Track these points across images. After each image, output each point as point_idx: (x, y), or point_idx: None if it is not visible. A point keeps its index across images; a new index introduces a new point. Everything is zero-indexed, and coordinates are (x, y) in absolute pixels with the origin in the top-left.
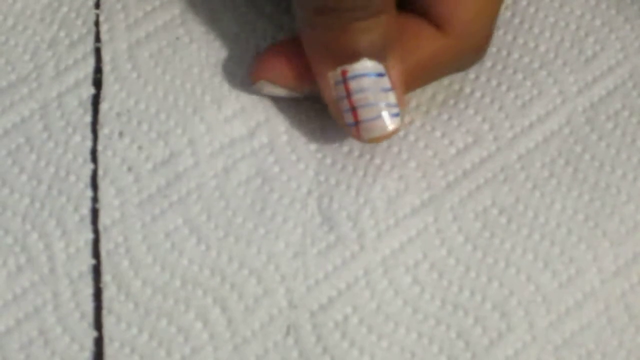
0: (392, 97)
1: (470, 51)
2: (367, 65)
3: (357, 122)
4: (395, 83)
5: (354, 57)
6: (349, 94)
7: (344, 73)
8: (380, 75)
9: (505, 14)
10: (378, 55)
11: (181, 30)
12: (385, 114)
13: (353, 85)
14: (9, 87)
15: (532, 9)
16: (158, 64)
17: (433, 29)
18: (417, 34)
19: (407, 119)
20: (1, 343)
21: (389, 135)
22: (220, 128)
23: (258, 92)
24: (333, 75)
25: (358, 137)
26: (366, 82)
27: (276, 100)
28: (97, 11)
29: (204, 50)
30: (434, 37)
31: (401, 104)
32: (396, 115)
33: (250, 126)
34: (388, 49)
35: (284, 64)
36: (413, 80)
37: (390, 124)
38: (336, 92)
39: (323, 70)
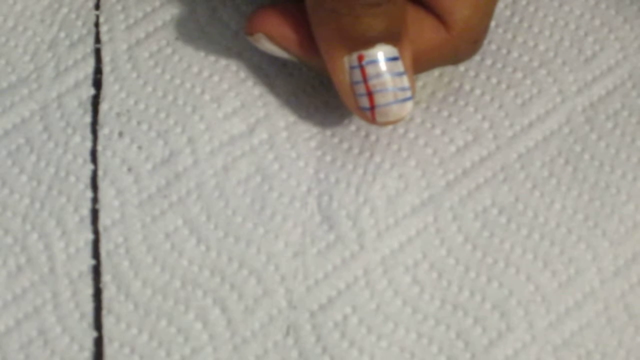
0: (405, 81)
1: (467, 45)
2: (383, 50)
3: (372, 107)
4: (407, 66)
5: (371, 42)
6: (365, 79)
7: (360, 58)
8: (394, 59)
9: (504, 12)
10: (393, 38)
11: (180, 30)
12: (400, 99)
13: (370, 70)
14: (9, 88)
15: (531, 8)
16: (158, 64)
17: (436, 22)
18: (420, 24)
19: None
20: (1, 343)
21: (402, 119)
22: (220, 125)
23: (252, 44)
24: (349, 60)
25: (372, 121)
26: (382, 67)
27: (276, 95)
28: (97, 12)
29: (203, 49)
30: (436, 29)
31: (413, 87)
32: (409, 99)
33: (249, 123)
34: (402, 32)
35: (290, 25)
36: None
37: (404, 108)
38: (351, 76)
39: (337, 54)
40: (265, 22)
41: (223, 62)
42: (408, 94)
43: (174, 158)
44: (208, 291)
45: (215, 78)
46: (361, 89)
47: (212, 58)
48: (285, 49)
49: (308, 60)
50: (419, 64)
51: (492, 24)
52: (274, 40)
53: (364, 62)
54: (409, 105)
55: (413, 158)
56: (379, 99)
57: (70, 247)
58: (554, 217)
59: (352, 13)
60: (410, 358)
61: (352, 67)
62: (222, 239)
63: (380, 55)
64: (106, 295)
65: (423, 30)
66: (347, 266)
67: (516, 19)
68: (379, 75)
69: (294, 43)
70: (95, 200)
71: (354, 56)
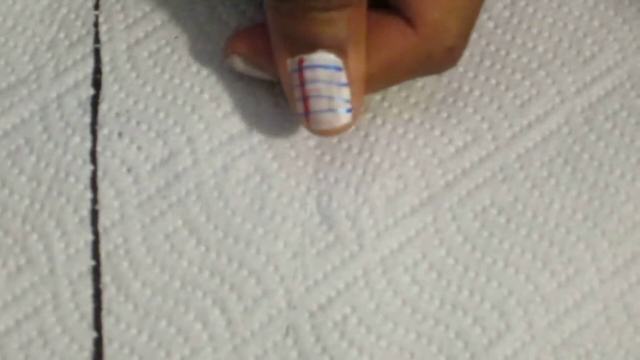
0: (346, 93)
1: (441, 52)
2: (325, 57)
3: (307, 113)
4: (352, 79)
5: (313, 47)
6: (302, 84)
7: (301, 62)
8: (337, 69)
9: (503, 13)
10: (338, 48)
11: (180, 29)
12: (335, 109)
13: (308, 75)
14: (9, 89)
15: (530, 10)
16: (157, 64)
17: (404, 25)
18: (387, 30)
19: (361, 117)
20: (1, 343)
21: (339, 131)
22: (219, 125)
23: (230, 68)
24: (291, 62)
25: (308, 127)
26: (321, 74)
27: (276, 95)
28: (96, 12)
29: (202, 48)
30: (405, 33)
31: (356, 101)
32: (348, 111)
33: (249, 122)
34: (351, 44)
35: (260, 42)
36: (380, 78)
37: (340, 119)
38: (292, 79)
39: (282, 56)
40: (237, 44)
41: (223, 61)
42: (347, 106)
43: (173, 158)
44: (208, 292)
45: (215, 77)
46: (298, 93)
47: (211, 57)
48: (260, 68)
49: (273, 73)
50: (394, 72)
51: (491, 25)
52: (248, 60)
53: (303, 66)
54: (347, 117)
55: (412, 158)
56: (314, 105)
57: (70, 248)
58: (554, 217)
59: (295, 16)
60: (410, 358)
61: (293, 70)
62: (222, 240)
63: (319, 61)
64: (106, 296)
65: (389, 35)
66: (347, 266)
67: (515, 20)
68: (315, 81)
69: (265, 60)
70: (95, 201)
71: (296, 59)
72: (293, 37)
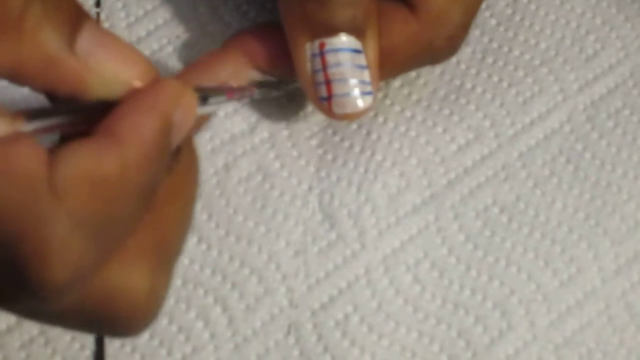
0: (366, 75)
1: (442, 41)
2: (345, 40)
3: (330, 97)
4: (371, 61)
5: (334, 30)
6: (325, 67)
7: (322, 45)
8: (357, 51)
9: (506, 10)
10: (357, 31)
11: (181, 28)
12: (358, 91)
13: (330, 58)
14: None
15: (533, 7)
16: (158, 63)
17: (406, 12)
18: (389, 17)
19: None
20: (2, 342)
21: (359, 114)
22: (221, 124)
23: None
24: (310, 46)
25: (329, 112)
26: (343, 56)
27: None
28: (97, 10)
29: (204, 48)
30: (406, 21)
31: (374, 84)
32: (369, 93)
33: (250, 121)
34: (368, 26)
35: (254, 44)
36: (382, 66)
37: (362, 101)
38: (312, 64)
39: (300, 41)
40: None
41: None
42: (368, 88)
43: None
44: (209, 290)
45: None
46: (320, 77)
47: None
48: (258, 69)
49: (281, 73)
50: (394, 61)
51: (494, 21)
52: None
53: (325, 50)
54: (368, 100)
55: (414, 156)
56: (337, 89)
57: None
58: (555, 215)
59: (319, 0)
60: (411, 357)
61: (313, 55)
62: (223, 238)
63: (342, 44)
64: None
65: (393, 21)
66: (348, 265)
67: (517, 17)
68: (338, 64)
69: (264, 60)
70: None
71: (316, 43)
72: (314, 21)
